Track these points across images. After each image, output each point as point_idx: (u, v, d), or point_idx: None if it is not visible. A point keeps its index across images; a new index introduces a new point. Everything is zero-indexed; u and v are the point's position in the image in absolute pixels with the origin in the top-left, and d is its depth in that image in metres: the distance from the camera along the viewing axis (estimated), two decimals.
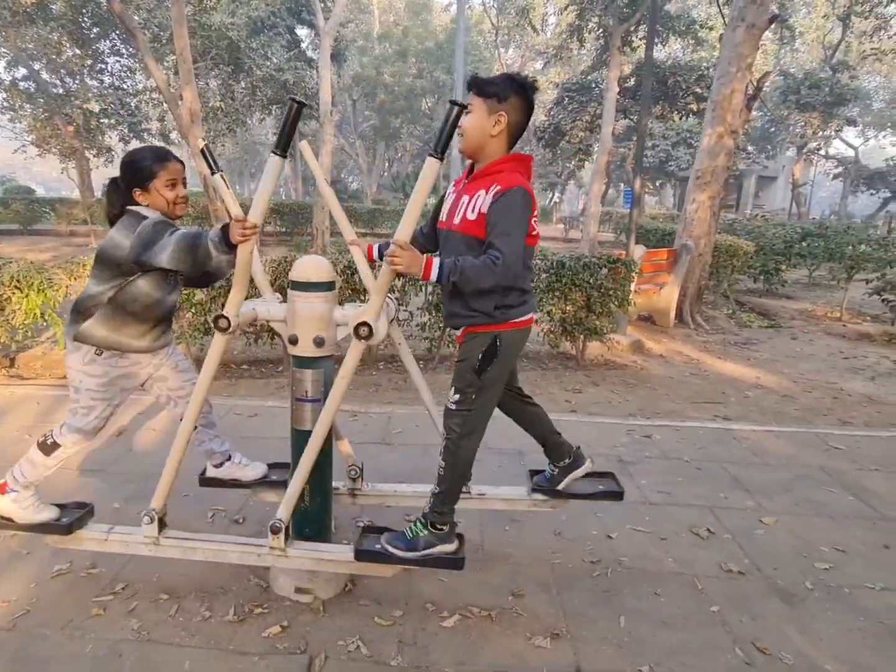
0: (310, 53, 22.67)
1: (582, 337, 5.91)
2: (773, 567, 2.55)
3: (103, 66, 19.69)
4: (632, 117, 18.47)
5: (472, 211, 1.91)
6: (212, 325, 1.97)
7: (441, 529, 2.05)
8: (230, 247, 1.80)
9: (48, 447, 2.16)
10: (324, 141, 14.39)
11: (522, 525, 2.81)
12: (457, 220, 1.97)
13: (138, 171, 2.06)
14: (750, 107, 9.25)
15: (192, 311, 5.08)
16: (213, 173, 2.20)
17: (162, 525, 2.15)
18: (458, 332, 2.08)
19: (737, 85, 7.83)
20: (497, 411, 2.18)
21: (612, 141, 17.53)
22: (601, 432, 4.04)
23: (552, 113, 20.05)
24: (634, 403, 4.89)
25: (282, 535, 2.04)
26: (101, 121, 18.88)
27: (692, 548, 2.69)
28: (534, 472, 2.52)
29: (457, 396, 2.01)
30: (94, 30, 17.99)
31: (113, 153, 19.86)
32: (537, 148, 21.97)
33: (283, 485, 2.51)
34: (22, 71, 18.91)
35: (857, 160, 32.32)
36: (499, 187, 1.85)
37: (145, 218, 2.04)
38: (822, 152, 30.95)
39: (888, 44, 22.21)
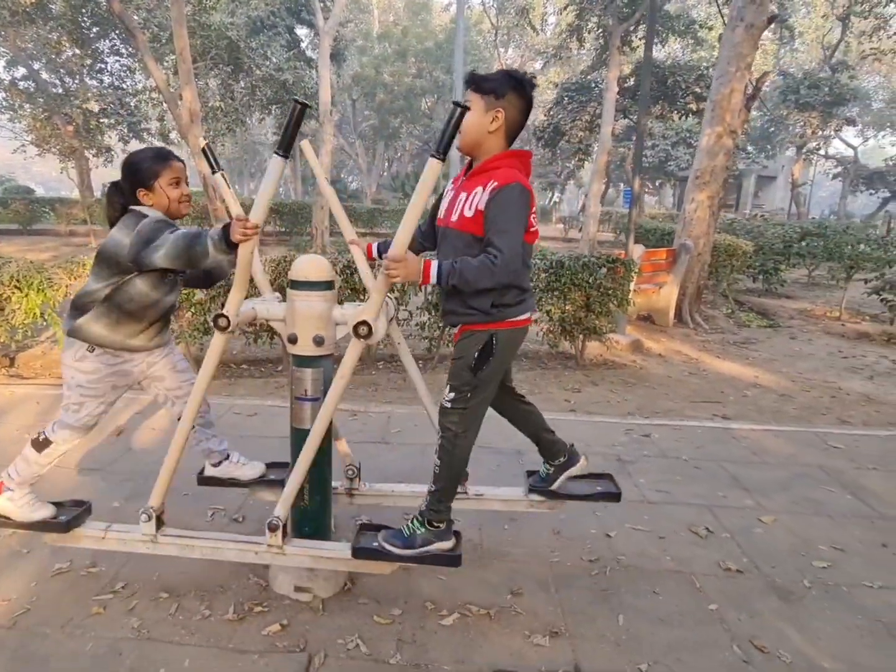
0: (309, 53, 22.68)
1: (581, 336, 5.91)
2: (772, 565, 2.56)
3: (103, 66, 19.70)
4: (631, 117, 18.47)
5: (470, 208, 1.91)
6: (211, 324, 1.97)
7: (438, 527, 2.05)
8: (230, 246, 1.80)
9: (40, 444, 2.18)
10: (323, 141, 14.40)
11: (521, 524, 2.81)
12: (454, 218, 1.97)
13: (142, 170, 2.07)
14: (749, 106, 9.27)
15: (192, 310, 5.08)
16: (213, 172, 2.21)
17: (160, 523, 2.15)
18: (456, 330, 2.08)
19: (736, 85, 7.84)
20: (491, 410, 2.19)
21: (612, 141, 17.54)
22: (600, 431, 4.04)
23: (552, 113, 20.04)
24: (633, 403, 4.90)
25: (279, 533, 2.04)
26: (101, 120, 18.90)
27: (691, 546, 2.70)
28: (530, 473, 2.52)
29: (452, 394, 2.01)
30: (94, 29, 17.99)
31: (112, 153, 19.87)
32: (537, 147, 21.96)
33: (281, 484, 2.52)
34: (21, 70, 18.93)
35: (856, 160, 32.35)
36: (496, 184, 1.85)
37: (146, 216, 2.05)
38: (822, 152, 30.97)
39: (887, 44, 22.21)
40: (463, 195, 1.95)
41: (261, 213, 1.79)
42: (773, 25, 12.57)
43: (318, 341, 2.06)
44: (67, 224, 19.59)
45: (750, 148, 27.77)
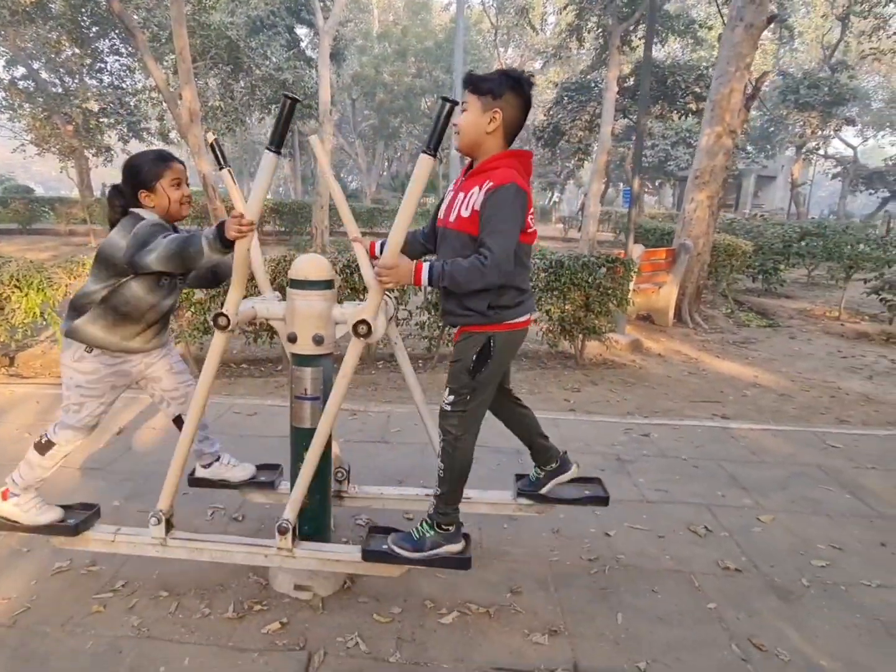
0: (309, 53, 22.69)
1: (581, 336, 5.92)
2: (770, 564, 2.57)
3: (102, 66, 19.67)
4: (631, 117, 18.47)
5: (466, 208, 1.90)
6: (211, 323, 1.98)
7: (447, 530, 2.06)
8: (226, 244, 1.81)
9: (42, 446, 2.18)
10: (323, 140, 14.38)
11: (521, 523, 2.82)
12: (452, 218, 1.97)
13: (143, 172, 2.08)
14: (748, 106, 9.27)
15: (192, 309, 5.09)
16: (221, 168, 2.23)
17: (169, 526, 2.15)
18: (455, 331, 2.08)
19: (735, 84, 7.84)
20: (487, 412, 2.19)
21: (612, 140, 17.54)
22: (599, 431, 4.05)
23: (551, 112, 20.04)
24: (633, 402, 4.91)
25: (289, 536, 2.05)
26: (101, 120, 18.88)
27: (689, 545, 2.71)
28: (519, 476, 2.52)
29: (451, 397, 2.01)
30: (94, 29, 17.97)
31: (112, 152, 19.87)
32: (536, 147, 21.97)
33: (272, 486, 2.54)
34: (21, 70, 18.91)
35: (855, 160, 32.36)
36: (491, 184, 1.84)
37: (143, 219, 2.06)
38: (821, 152, 30.98)
39: (887, 43, 22.20)
40: (461, 195, 1.95)
41: (255, 210, 1.80)
42: (772, 25, 12.57)
43: (318, 340, 2.06)
44: (67, 223, 19.58)
45: (749, 148, 27.78)
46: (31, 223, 20.04)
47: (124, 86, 20.08)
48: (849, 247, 9.74)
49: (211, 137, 2.14)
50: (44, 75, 19.17)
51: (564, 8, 18.56)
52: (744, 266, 9.90)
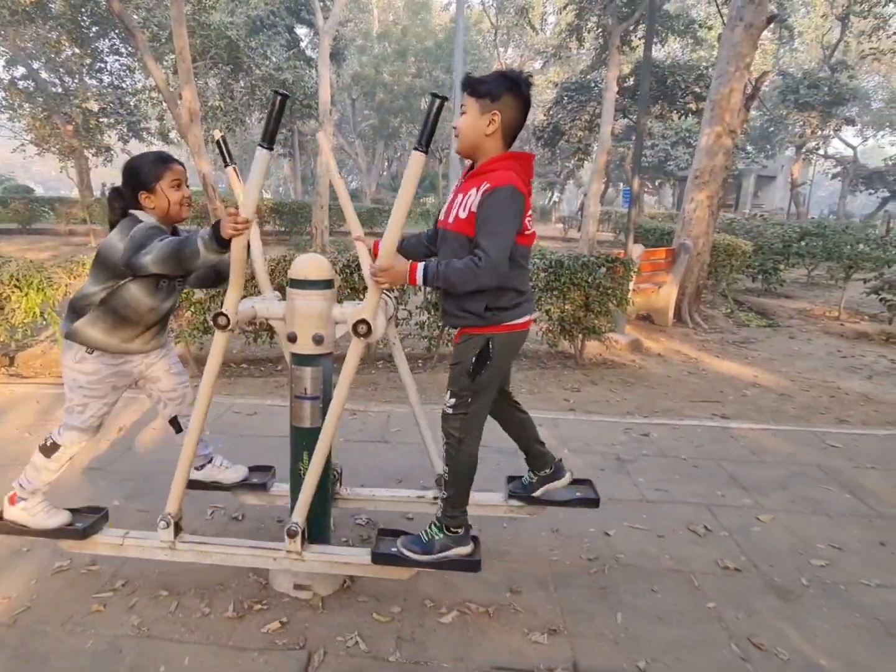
0: (309, 53, 22.71)
1: (580, 336, 5.92)
2: (770, 564, 2.57)
3: (102, 65, 19.70)
4: (631, 117, 18.48)
5: (464, 210, 1.91)
6: (211, 323, 1.98)
7: (456, 532, 2.07)
8: (222, 244, 1.81)
9: (48, 449, 2.18)
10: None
11: (520, 523, 2.82)
12: (451, 220, 1.97)
13: (143, 174, 2.08)
14: (748, 106, 9.27)
15: (192, 309, 5.09)
16: (227, 165, 2.25)
17: (178, 529, 2.15)
18: (456, 332, 2.09)
19: (735, 84, 7.84)
20: None
21: (612, 140, 17.54)
22: (599, 430, 4.05)
23: (551, 112, 20.05)
24: (632, 402, 4.91)
25: (298, 539, 2.05)
26: (100, 120, 18.89)
27: (689, 545, 2.71)
28: (511, 479, 2.52)
29: (452, 400, 2.01)
30: (94, 29, 17.99)
31: (112, 152, 19.88)
32: (536, 147, 21.97)
33: (264, 487, 2.54)
34: (21, 70, 18.92)
35: (855, 160, 32.36)
36: (488, 185, 1.84)
37: (141, 222, 2.06)
38: (821, 152, 30.99)
39: (887, 43, 22.21)
40: (460, 197, 1.95)
41: (250, 207, 1.80)
42: (772, 25, 12.57)
43: (318, 340, 2.06)
44: (67, 223, 19.57)
45: (749, 148, 27.79)
46: (31, 223, 20.03)
47: (124, 86, 20.10)
48: (848, 247, 9.74)
49: (218, 134, 2.15)
50: (44, 75, 19.18)
51: (564, 8, 18.57)
52: (743, 266, 9.91)
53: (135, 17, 13.65)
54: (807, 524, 2.92)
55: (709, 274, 9.04)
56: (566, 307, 5.64)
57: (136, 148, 19.90)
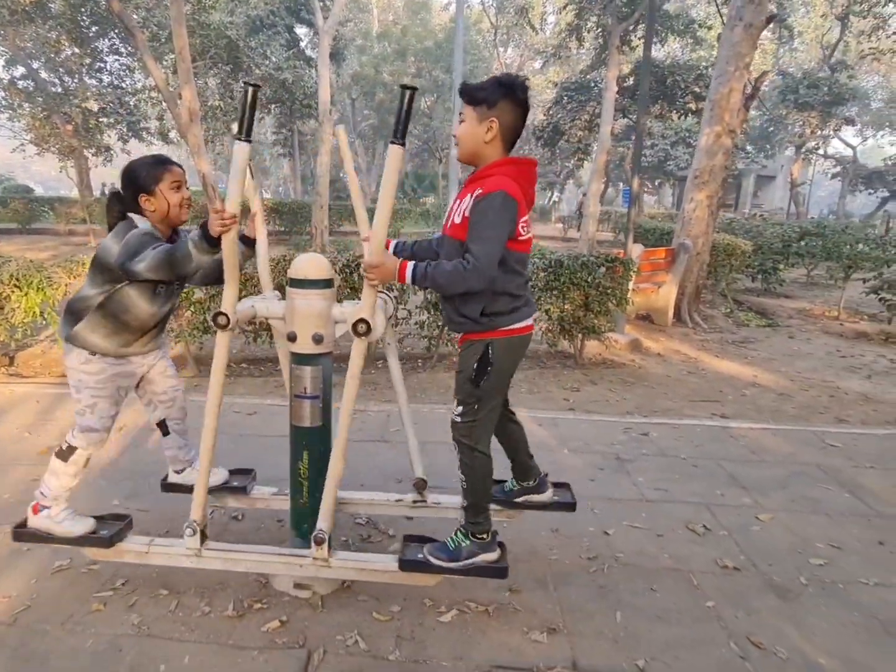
0: (309, 52, 22.71)
1: (580, 336, 5.92)
2: (769, 563, 2.57)
3: (102, 65, 19.70)
4: (631, 116, 18.48)
5: (459, 215, 1.92)
6: (211, 323, 1.98)
7: (482, 538, 2.07)
8: (212, 243, 1.81)
9: (64, 453, 2.19)
10: (322, 140, 14.40)
11: (520, 522, 2.81)
12: (448, 225, 1.99)
13: (143, 176, 2.09)
14: (748, 106, 9.27)
15: (192, 309, 5.09)
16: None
17: (203, 537, 2.14)
18: (458, 338, 2.10)
19: (735, 84, 7.84)
20: None
21: (611, 140, 17.53)
22: (599, 430, 4.05)
23: (551, 112, 20.05)
24: (632, 402, 4.91)
25: (325, 546, 2.05)
26: (100, 120, 18.90)
27: (688, 544, 2.71)
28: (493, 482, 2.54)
29: (460, 408, 2.03)
30: (93, 28, 17.99)
31: (112, 152, 19.88)
32: (536, 147, 21.98)
33: (244, 490, 2.54)
34: (21, 69, 18.92)
35: (855, 160, 32.36)
36: (480, 191, 1.85)
37: (136, 227, 2.07)
38: (821, 152, 30.99)
39: (886, 43, 22.21)
40: (457, 202, 1.97)
41: (235, 202, 1.81)
42: (771, 25, 12.58)
43: (318, 339, 2.07)
44: (66, 223, 19.58)
45: (749, 147, 27.80)
46: (31, 223, 20.04)
47: (124, 85, 20.10)
48: (848, 246, 9.74)
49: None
50: (43, 75, 19.18)
51: (564, 8, 18.57)
52: (743, 266, 9.91)
53: (134, 16, 13.65)
54: (806, 523, 2.92)
55: (708, 274, 9.04)
56: (566, 307, 5.65)
57: (136, 148, 19.90)
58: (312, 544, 2.06)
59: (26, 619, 2.11)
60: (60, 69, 19.05)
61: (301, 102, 19.08)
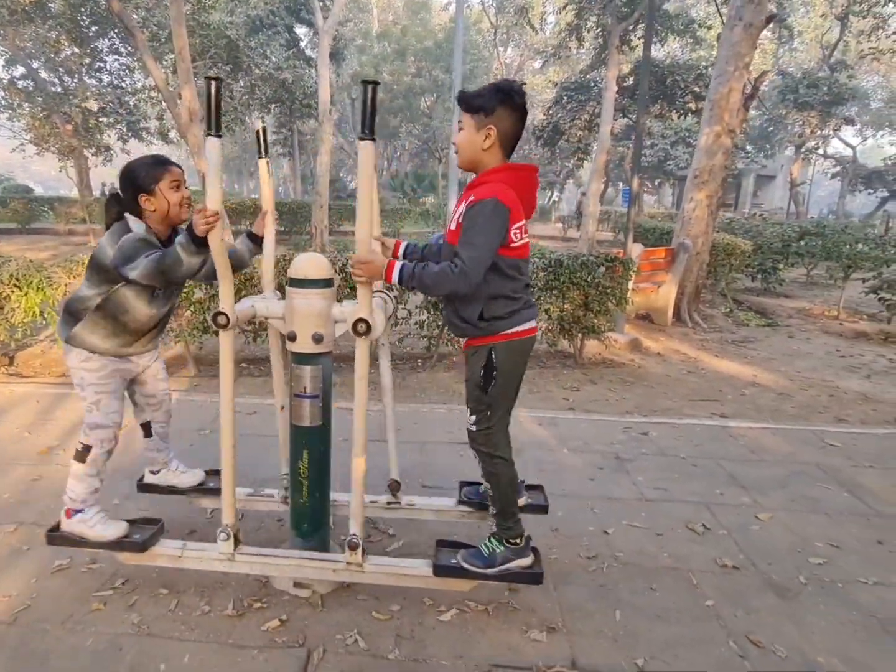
0: (308, 52, 22.71)
1: (580, 335, 5.92)
2: (768, 562, 2.58)
3: (102, 65, 19.69)
4: (630, 116, 18.49)
5: (454, 221, 1.96)
6: (211, 323, 1.99)
7: (516, 543, 2.08)
8: (199, 243, 1.83)
9: (80, 454, 2.19)
10: (322, 140, 14.41)
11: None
12: (447, 231, 2.03)
13: (142, 176, 2.10)
14: (748, 106, 9.27)
15: (191, 309, 5.09)
16: (260, 157, 2.29)
17: (237, 541, 2.14)
18: (461, 342, 2.12)
19: (734, 84, 7.84)
20: None
21: (611, 140, 17.54)
22: (599, 430, 4.06)
23: (551, 112, 20.06)
24: (632, 401, 4.92)
25: (359, 552, 2.05)
26: (100, 119, 18.89)
27: (688, 543, 2.71)
28: (464, 484, 2.57)
29: (473, 417, 2.04)
30: (93, 28, 17.98)
31: (111, 152, 19.87)
32: (536, 147, 21.98)
33: (220, 492, 2.54)
34: (20, 69, 18.91)
35: (855, 159, 32.37)
36: (473, 198, 1.88)
37: (131, 230, 2.08)
38: (821, 151, 30.99)
39: (886, 43, 22.21)
40: (456, 208, 1.99)
41: (216, 199, 1.82)
42: (771, 25, 12.58)
43: (318, 339, 2.07)
44: (66, 223, 19.56)
45: (749, 147, 27.80)
46: (31, 223, 20.04)
47: (124, 85, 20.09)
48: (847, 246, 9.74)
49: (260, 125, 2.17)
50: (43, 74, 19.17)
51: (564, 7, 18.57)
52: (743, 265, 9.91)
53: (134, 16, 13.65)
54: (805, 523, 2.92)
55: (708, 273, 9.04)
56: (565, 306, 5.65)
57: (136, 147, 19.88)
58: (346, 549, 2.06)
59: (26, 619, 2.12)
60: (60, 69, 19.05)
61: (301, 102, 19.08)
